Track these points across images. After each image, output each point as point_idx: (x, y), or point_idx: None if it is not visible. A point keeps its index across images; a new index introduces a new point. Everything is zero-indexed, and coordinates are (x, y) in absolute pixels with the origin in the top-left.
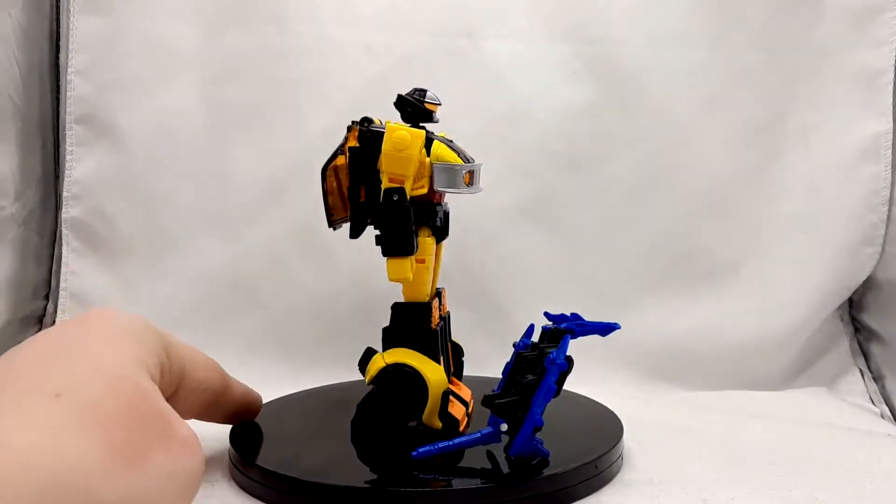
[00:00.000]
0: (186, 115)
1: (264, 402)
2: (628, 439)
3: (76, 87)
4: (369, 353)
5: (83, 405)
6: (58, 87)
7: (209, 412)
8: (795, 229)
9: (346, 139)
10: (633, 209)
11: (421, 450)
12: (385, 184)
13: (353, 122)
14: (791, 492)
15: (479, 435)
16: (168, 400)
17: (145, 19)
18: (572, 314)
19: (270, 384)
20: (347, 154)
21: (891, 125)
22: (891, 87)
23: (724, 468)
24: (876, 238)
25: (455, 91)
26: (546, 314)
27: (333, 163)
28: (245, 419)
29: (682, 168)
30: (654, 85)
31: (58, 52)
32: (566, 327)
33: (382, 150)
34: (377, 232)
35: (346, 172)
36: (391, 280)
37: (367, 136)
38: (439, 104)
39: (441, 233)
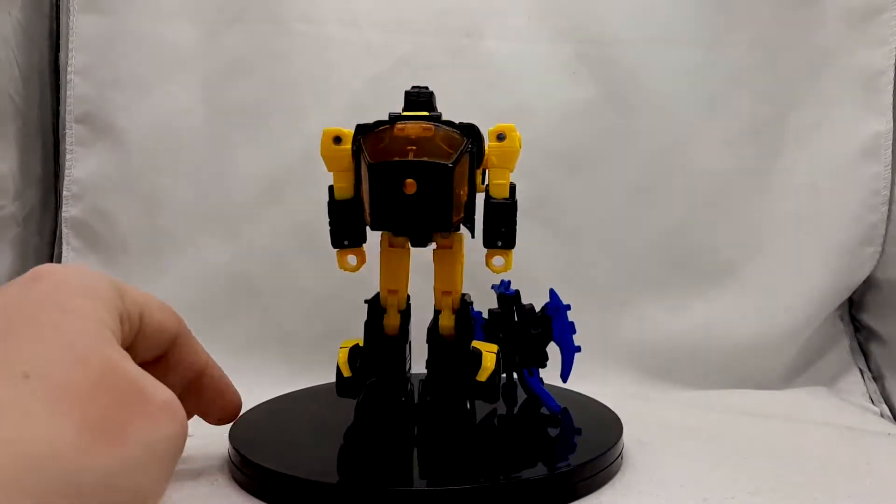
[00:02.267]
0: (186, 115)
1: (264, 400)
2: (628, 439)
3: (76, 87)
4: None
5: (53, 384)
6: (58, 86)
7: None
8: (795, 229)
9: None
10: (633, 209)
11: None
12: None
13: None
14: (791, 491)
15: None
16: (129, 349)
17: (145, 19)
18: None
19: (270, 383)
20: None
21: (891, 125)
22: (891, 87)
23: (724, 468)
24: (876, 238)
25: (455, 91)
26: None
27: None
28: (219, 411)
29: (682, 168)
30: (654, 85)
31: (58, 51)
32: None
33: None
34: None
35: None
36: (504, 271)
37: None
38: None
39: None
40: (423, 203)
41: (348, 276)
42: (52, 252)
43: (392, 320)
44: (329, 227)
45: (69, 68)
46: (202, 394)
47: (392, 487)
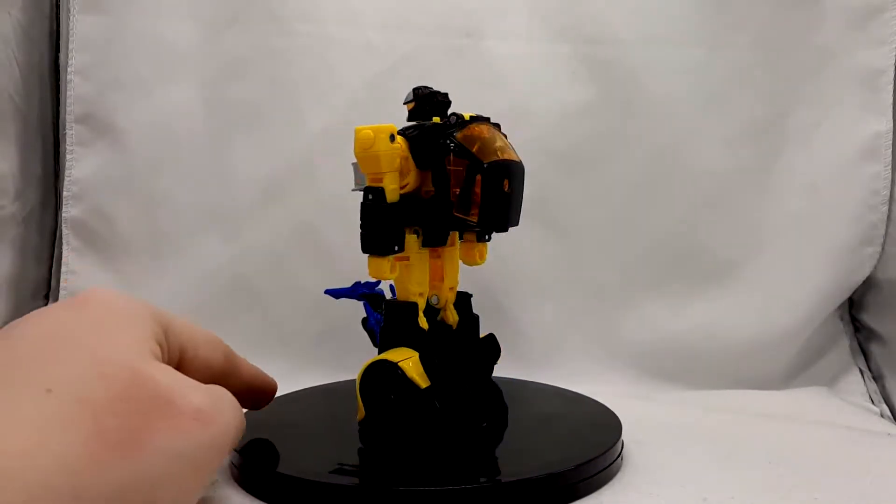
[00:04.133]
0: (186, 115)
1: None
2: (628, 439)
3: (76, 87)
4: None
5: (74, 398)
6: (58, 86)
7: None
8: (795, 229)
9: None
10: (633, 209)
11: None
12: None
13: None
14: (791, 492)
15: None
16: None
17: (145, 19)
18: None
19: None
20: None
21: (891, 125)
22: (891, 87)
23: (724, 468)
24: (876, 238)
25: (455, 91)
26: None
27: None
28: (258, 404)
29: (682, 168)
30: (654, 85)
31: (58, 51)
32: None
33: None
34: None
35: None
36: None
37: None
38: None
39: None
40: (515, 201)
41: (348, 276)
42: (52, 252)
43: (423, 322)
44: (373, 235)
45: (69, 68)
46: (238, 390)
47: (392, 487)
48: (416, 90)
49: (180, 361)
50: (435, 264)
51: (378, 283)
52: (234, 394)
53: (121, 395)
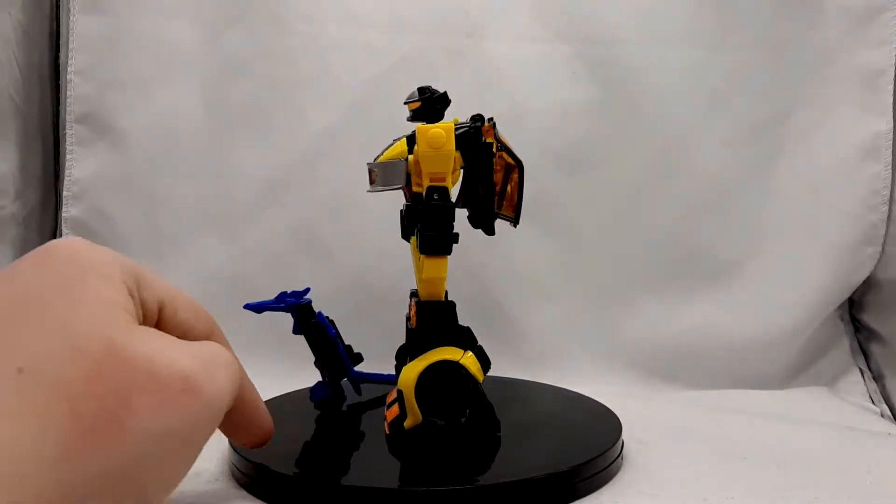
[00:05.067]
0: (187, 115)
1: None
2: (628, 439)
3: (76, 87)
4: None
5: (47, 380)
6: (58, 86)
7: None
8: (795, 229)
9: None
10: (633, 209)
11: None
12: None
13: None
14: (791, 491)
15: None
16: None
17: (145, 19)
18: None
19: (270, 383)
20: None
21: (891, 125)
22: (891, 87)
23: (724, 468)
24: (876, 238)
25: (455, 91)
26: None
27: None
28: (245, 436)
29: (682, 168)
30: (654, 85)
31: (58, 51)
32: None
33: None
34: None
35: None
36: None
37: None
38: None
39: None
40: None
41: (348, 276)
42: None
43: None
44: (441, 234)
45: (69, 68)
46: (230, 414)
47: (393, 487)
48: (422, 90)
49: (159, 320)
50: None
51: (306, 292)
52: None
53: (96, 374)
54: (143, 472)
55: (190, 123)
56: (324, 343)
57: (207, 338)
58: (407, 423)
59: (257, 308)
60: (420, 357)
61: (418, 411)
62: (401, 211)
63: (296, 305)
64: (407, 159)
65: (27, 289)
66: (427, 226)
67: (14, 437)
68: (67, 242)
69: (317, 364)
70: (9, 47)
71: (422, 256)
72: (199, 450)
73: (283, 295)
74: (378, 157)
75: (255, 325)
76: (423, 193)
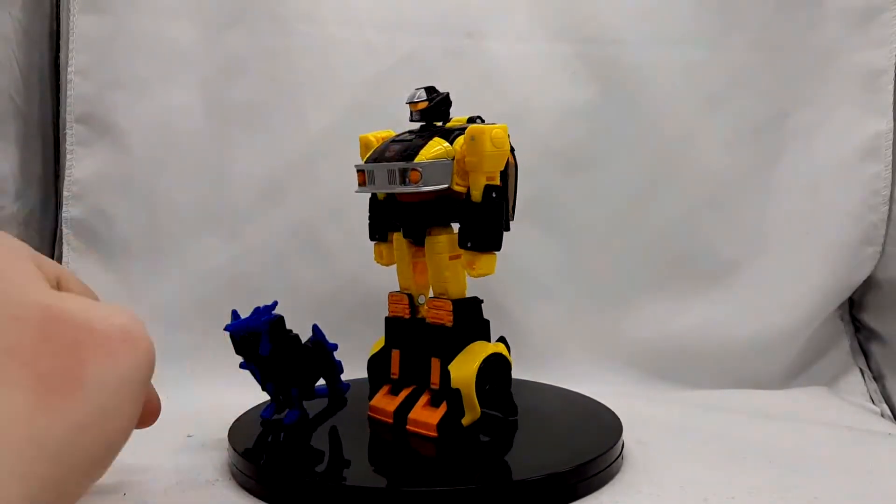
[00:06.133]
0: (187, 115)
1: (264, 400)
2: (628, 438)
3: (76, 87)
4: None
5: None
6: (58, 86)
7: None
8: (796, 229)
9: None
10: (633, 209)
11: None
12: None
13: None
14: (791, 491)
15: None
16: None
17: (145, 19)
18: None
19: None
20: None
21: (891, 125)
22: (891, 87)
23: (724, 467)
24: (876, 238)
25: (455, 91)
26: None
27: None
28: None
29: (683, 168)
30: (654, 85)
31: (58, 51)
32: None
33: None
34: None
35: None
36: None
37: None
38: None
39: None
40: None
41: (348, 276)
42: (52, 252)
43: None
44: (501, 232)
45: (69, 68)
46: None
47: (393, 487)
48: (428, 90)
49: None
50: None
51: (275, 305)
52: None
53: (43, 337)
54: (106, 420)
55: (190, 123)
56: (321, 356)
57: None
58: (465, 421)
59: (238, 328)
60: (464, 354)
61: (478, 407)
62: (374, 211)
63: (269, 322)
64: (454, 158)
65: None
66: (486, 223)
67: None
68: None
69: (279, 384)
70: (9, 47)
71: (469, 254)
72: (142, 398)
73: (257, 310)
74: (414, 157)
75: None
76: (466, 193)
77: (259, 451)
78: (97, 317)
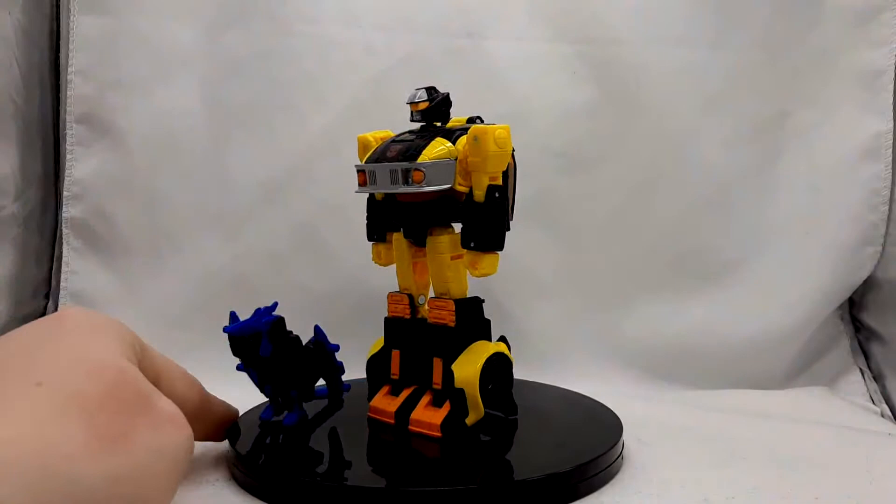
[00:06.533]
0: (186, 115)
1: (264, 400)
2: (628, 438)
3: (76, 87)
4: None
5: (64, 392)
6: (58, 86)
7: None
8: (796, 229)
9: None
10: (633, 209)
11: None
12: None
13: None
14: (791, 491)
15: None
16: None
17: (145, 19)
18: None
19: None
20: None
21: (891, 125)
22: (891, 87)
23: (724, 467)
24: (876, 238)
25: (455, 91)
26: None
27: None
28: (222, 434)
29: (683, 168)
30: (654, 85)
31: (58, 51)
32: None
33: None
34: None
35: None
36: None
37: None
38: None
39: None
40: None
41: (348, 276)
42: (52, 252)
43: None
44: (503, 232)
45: (69, 68)
46: (207, 421)
47: (393, 487)
48: (429, 90)
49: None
50: (422, 262)
51: (275, 306)
52: (206, 429)
53: (110, 392)
54: (145, 482)
55: (190, 123)
56: (322, 357)
57: (201, 404)
58: (469, 420)
59: (239, 330)
60: (466, 353)
61: (482, 407)
62: (372, 211)
63: (270, 323)
64: (457, 159)
65: (45, 331)
66: (490, 223)
67: (34, 435)
68: (78, 308)
69: (278, 386)
70: (9, 47)
71: (472, 254)
72: (181, 479)
73: (258, 311)
74: (417, 157)
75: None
76: (468, 193)
77: (259, 451)
78: (157, 397)
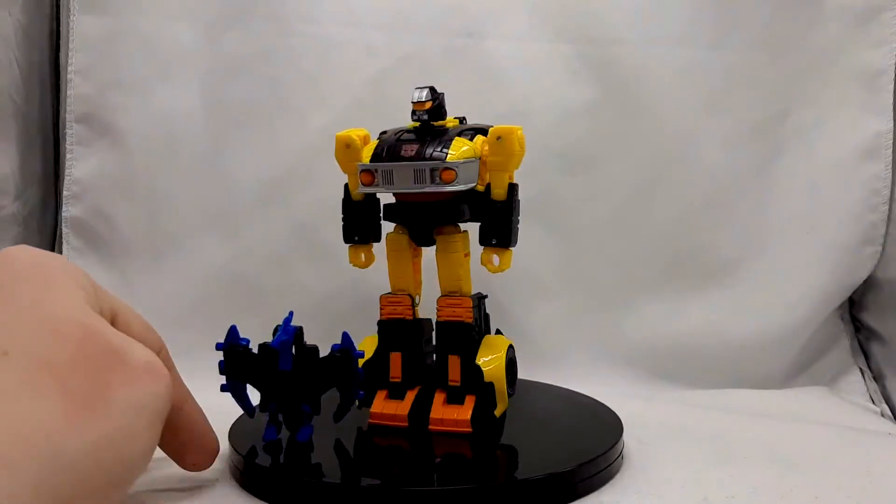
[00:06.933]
0: (186, 115)
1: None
2: (628, 438)
3: (76, 87)
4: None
5: (32, 360)
6: (58, 86)
7: None
8: (796, 229)
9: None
10: (633, 209)
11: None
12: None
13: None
14: (791, 491)
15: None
16: None
17: (145, 19)
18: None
19: None
20: None
21: (891, 125)
22: (891, 87)
23: (724, 467)
24: (876, 238)
25: (455, 91)
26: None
27: None
28: (193, 454)
29: (683, 168)
30: (654, 85)
31: (58, 51)
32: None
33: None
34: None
35: None
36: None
37: None
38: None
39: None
40: None
41: (348, 276)
42: (52, 252)
43: None
44: (517, 229)
45: (69, 68)
46: (178, 433)
47: (392, 487)
48: (431, 90)
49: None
50: (417, 262)
51: (291, 316)
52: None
53: (79, 353)
54: (127, 442)
55: (190, 123)
56: (344, 365)
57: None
58: (498, 412)
59: (281, 342)
60: (484, 348)
61: (507, 397)
62: (350, 213)
63: (293, 334)
64: (479, 158)
65: None
66: (511, 220)
67: (11, 411)
68: (22, 248)
69: (288, 402)
70: (9, 47)
71: (492, 250)
72: (160, 429)
73: (286, 321)
74: (444, 157)
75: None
76: (483, 191)
77: (260, 451)
78: (129, 347)
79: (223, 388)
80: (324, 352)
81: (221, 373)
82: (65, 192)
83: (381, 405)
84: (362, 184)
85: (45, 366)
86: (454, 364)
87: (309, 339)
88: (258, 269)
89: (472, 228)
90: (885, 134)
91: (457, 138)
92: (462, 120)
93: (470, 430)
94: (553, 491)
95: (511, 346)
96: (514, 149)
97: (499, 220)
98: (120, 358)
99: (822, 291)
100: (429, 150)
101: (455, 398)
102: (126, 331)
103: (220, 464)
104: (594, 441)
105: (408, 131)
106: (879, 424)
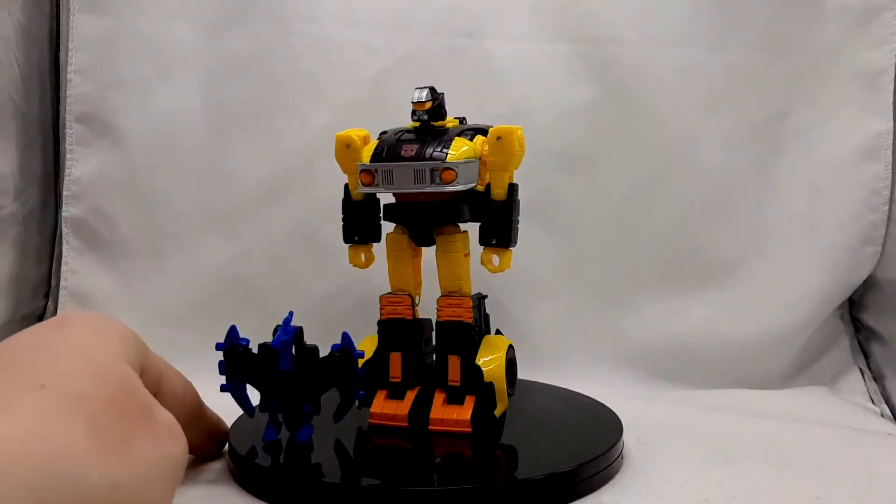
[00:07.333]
0: (186, 115)
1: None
2: (628, 438)
3: (76, 87)
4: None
5: (68, 395)
6: (58, 86)
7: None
8: (796, 229)
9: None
10: (633, 209)
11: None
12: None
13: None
14: (791, 491)
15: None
16: None
17: (145, 19)
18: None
19: None
20: None
21: (891, 125)
22: (891, 87)
23: (725, 467)
24: (876, 238)
25: (455, 91)
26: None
27: None
28: (211, 452)
29: (682, 168)
30: (654, 85)
31: (58, 51)
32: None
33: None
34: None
35: None
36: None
37: None
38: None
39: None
40: None
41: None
42: (52, 252)
43: None
44: (517, 229)
45: (69, 68)
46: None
47: (392, 487)
48: (431, 90)
49: (158, 388)
50: (417, 262)
51: (291, 316)
52: (199, 439)
53: (113, 397)
54: (143, 491)
55: (190, 123)
56: (344, 365)
57: (197, 411)
58: (498, 412)
59: (282, 342)
60: (484, 348)
61: (507, 397)
62: (350, 213)
63: (293, 334)
64: (479, 158)
65: (48, 333)
66: (511, 220)
67: (37, 436)
68: (81, 311)
69: (288, 402)
70: (9, 47)
71: (492, 250)
72: (174, 490)
73: (286, 321)
74: (445, 157)
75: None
76: (483, 191)
77: (259, 451)
78: (155, 406)
79: (223, 388)
80: (324, 352)
81: (221, 373)
82: (65, 192)
83: (381, 405)
84: (362, 184)
85: (79, 401)
86: (454, 364)
87: (309, 339)
88: (258, 269)
89: (472, 228)
90: (885, 134)
91: (457, 138)
92: (462, 120)
93: (470, 430)
94: (553, 491)
95: (511, 346)
96: (514, 149)
97: (499, 220)
98: (149, 413)
99: (822, 291)
100: (429, 151)
101: (455, 398)
102: (169, 390)
103: (219, 464)
104: (594, 441)
105: (408, 131)
106: (879, 424)
